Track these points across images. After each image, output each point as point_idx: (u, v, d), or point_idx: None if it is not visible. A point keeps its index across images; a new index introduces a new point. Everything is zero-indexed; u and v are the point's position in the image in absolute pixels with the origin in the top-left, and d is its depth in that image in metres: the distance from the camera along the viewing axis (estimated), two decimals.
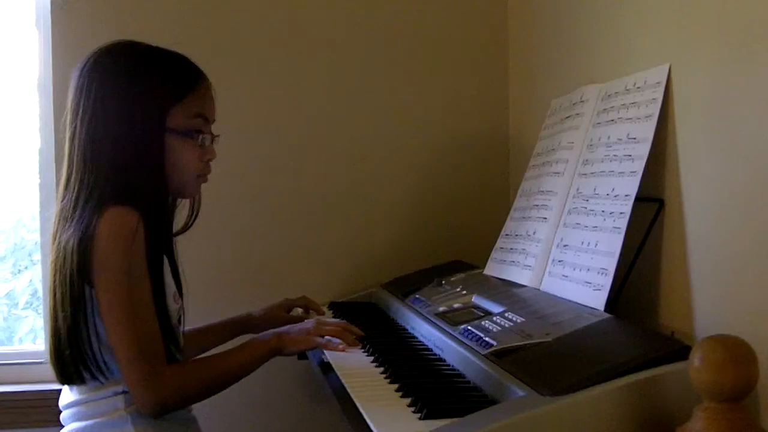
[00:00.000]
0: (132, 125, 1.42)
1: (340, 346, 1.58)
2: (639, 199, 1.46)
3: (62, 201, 1.44)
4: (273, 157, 2.28)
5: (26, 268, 2.54)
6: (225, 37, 2.24)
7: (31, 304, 2.51)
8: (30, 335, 2.48)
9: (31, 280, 2.51)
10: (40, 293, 2.36)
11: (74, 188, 1.42)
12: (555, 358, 1.28)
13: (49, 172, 2.24)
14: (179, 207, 1.59)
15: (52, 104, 2.19)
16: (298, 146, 2.30)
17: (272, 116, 2.28)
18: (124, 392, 1.41)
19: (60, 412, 1.49)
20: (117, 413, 1.41)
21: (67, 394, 1.49)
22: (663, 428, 1.12)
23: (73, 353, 1.39)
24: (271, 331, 1.59)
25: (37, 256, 2.40)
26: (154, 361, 1.37)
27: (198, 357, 1.54)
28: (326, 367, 1.56)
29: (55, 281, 1.40)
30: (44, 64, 2.25)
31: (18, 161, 2.49)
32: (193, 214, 1.60)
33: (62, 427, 1.48)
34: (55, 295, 1.40)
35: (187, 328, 1.63)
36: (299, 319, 1.84)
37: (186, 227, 1.61)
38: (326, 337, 1.59)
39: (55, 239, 1.44)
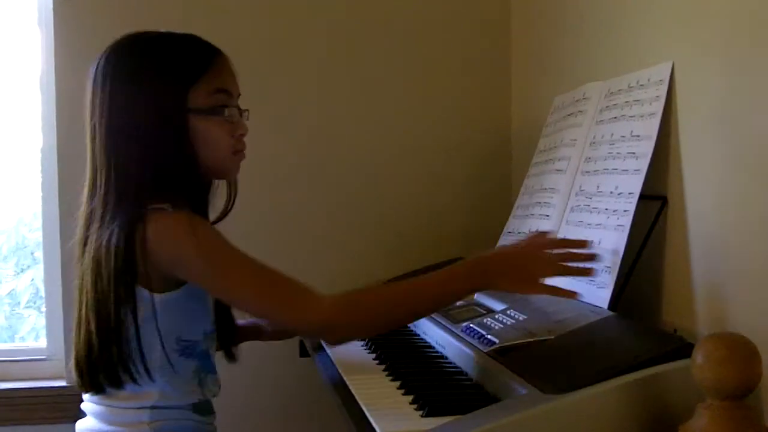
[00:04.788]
0: (153, 115, 1.38)
1: (574, 294, 1.36)
2: (642, 197, 1.45)
3: (90, 203, 1.39)
4: (275, 158, 2.27)
5: (28, 267, 2.54)
6: (230, 35, 2.23)
7: (33, 303, 2.52)
8: (32, 334, 2.48)
9: (32, 279, 2.51)
10: (42, 292, 2.36)
11: (102, 189, 1.37)
12: (557, 356, 1.28)
13: (51, 171, 2.24)
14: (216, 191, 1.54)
15: (55, 103, 2.19)
16: (300, 147, 2.29)
17: (274, 119, 2.27)
18: (152, 407, 1.39)
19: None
20: (140, 426, 1.39)
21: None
22: (666, 426, 1.12)
23: (114, 354, 1.35)
24: (474, 259, 1.38)
25: (39, 254, 2.40)
26: (304, 289, 1.35)
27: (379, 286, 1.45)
28: (328, 364, 1.56)
29: (89, 282, 1.35)
30: (46, 62, 2.25)
31: (19, 160, 2.49)
32: (231, 200, 1.55)
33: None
34: (87, 298, 1.36)
35: None
36: None
37: (225, 213, 1.56)
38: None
39: (84, 244, 1.39)
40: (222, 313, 1.51)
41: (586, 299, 1.47)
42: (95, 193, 1.39)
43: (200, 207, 1.44)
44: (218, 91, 1.43)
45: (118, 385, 1.38)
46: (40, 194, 2.30)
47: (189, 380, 1.43)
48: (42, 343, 2.33)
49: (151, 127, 1.38)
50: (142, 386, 1.37)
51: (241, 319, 1.67)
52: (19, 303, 2.53)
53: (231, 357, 1.58)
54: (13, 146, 2.48)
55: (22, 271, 2.55)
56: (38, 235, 2.37)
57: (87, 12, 2.18)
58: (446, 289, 1.36)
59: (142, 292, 1.35)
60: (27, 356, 2.31)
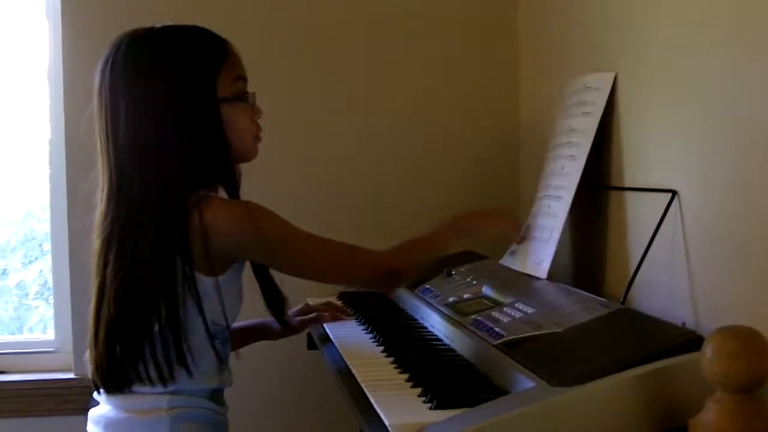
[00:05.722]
0: (186, 110, 1.38)
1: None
2: (651, 190, 1.45)
3: (113, 202, 1.37)
4: (277, 153, 2.27)
5: (36, 258, 2.55)
6: (232, 29, 2.23)
7: (41, 294, 2.52)
8: (40, 325, 2.49)
9: (41, 271, 2.52)
10: (50, 284, 2.37)
11: (132, 188, 1.35)
12: (565, 349, 1.28)
13: (59, 163, 2.24)
14: None
15: (62, 95, 2.19)
16: (303, 143, 2.28)
17: (274, 117, 2.27)
18: (172, 393, 1.38)
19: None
20: (157, 413, 1.38)
21: None
22: (675, 419, 1.12)
23: (149, 351, 1.35)
24: (444, 225, 1.70)
25: (47, 246, 2.41)
26: (369, 250, 1.52)
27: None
28: (336, 356, 1.56)
29: (118, 279, 1.34)
30: (54, 54, 2.25)
31: (27, 152, 2.49)
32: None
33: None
34: (117, 294, 1.35)
35: None
36: (315, 321, 1.80)
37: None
38: None
39: (108, 244, 1.37)
40: (266, 284, 1.51)
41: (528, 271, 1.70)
42: (120, 193, 1.37)
43: (234, 194, 1.46)
44: (238, 79, 1.45)
45: (161, 378, 1.37)
46: (48, 186, 2.31)
47: (212, 365, 1.43)
48: (50, 335, 2.34)
49: (185, 122, 1.38)
50: (191, 371, 1.37)
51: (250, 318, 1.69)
52: (27, 294, 2.53)
53: (285, 324, 1.66)
54: (22, 138, 2.48)
55: (31, 262, 2.55)
56: (46, 227, 2.38)
57: (94, 3, 2.17)
58: (446, 239, 1.68)
59: (201, 278, 1.36)
60: (35, 348, 2.32)
